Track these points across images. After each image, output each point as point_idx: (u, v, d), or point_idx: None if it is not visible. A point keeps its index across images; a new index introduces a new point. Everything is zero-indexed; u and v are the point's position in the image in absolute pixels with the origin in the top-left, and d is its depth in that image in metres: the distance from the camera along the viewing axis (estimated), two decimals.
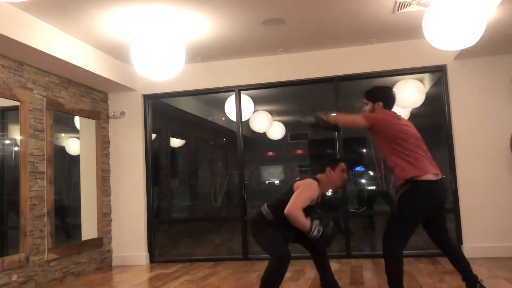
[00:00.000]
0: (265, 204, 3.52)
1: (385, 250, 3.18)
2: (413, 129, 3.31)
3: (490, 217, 5.21)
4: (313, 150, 8.78)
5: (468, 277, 3.20)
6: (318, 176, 3.53)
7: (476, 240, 5.26)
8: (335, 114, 3.36)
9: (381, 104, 3.38)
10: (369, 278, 4.50)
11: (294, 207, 3.22)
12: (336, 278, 4.52)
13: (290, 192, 3.38)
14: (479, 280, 3.18)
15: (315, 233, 3.22)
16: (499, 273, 4.34)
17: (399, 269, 3.14)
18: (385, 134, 3.23)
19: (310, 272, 4.87)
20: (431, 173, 3.12)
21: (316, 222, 3.26)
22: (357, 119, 3.35)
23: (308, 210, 3.34)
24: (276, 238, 3.35)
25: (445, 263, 5.03)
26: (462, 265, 3.23)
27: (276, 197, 3.56)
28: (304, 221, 3.23)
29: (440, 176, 3.19)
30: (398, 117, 3.36)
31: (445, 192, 3.29)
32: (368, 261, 5.37)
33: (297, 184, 3.43)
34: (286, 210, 3.21)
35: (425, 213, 3.18)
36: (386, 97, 3.44)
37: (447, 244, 3.28)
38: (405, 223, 3.14)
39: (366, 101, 3.48)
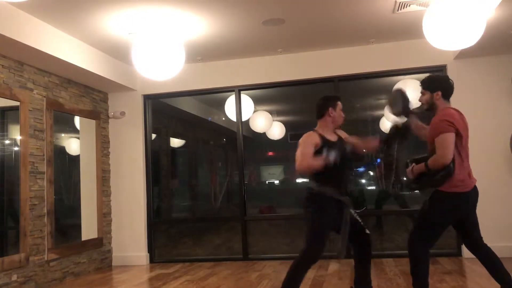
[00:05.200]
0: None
1: (410, 249, 3.13)
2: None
3: (490, 217, 5.19)
4: None
5: (503, 280, 3.12)
6: (318, 124, 3.45)
7: None
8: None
9: (439, 93, 3.17)
10: None
11: (298, 163, 3.22)
12: (336, 278, 4.54)
13: None
14: None
15: (331, 157, 3.13)
16: None
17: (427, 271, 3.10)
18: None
19: (310, 272, 4.85)
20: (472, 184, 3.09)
21: (325, 150, 3.19)
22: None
23: (340, 164, 3.23)
24: (320, 230, 3.24)
25: (445, 263, 5.03)
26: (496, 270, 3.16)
27: None
28: (313, 162, 3.19)
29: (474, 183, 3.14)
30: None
31: (476, 197, 3.18)
32: None
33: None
34: (296, 169, 3.21)
35: (455, 219, 3.15)
36: (444, 86, 3.21)
37: (480, 249, 3.22)
38: (434, 226, 3.11)
39: (423, 90, 3.26)
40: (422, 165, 3.08)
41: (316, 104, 3.47)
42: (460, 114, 3.19)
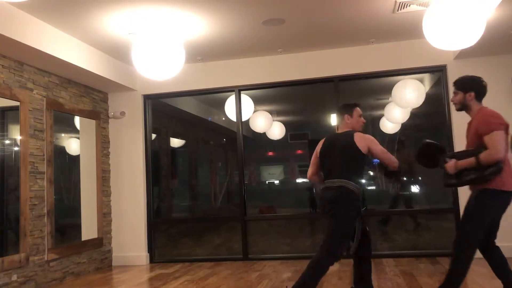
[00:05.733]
0: (339, 180, 3.37)
1: (457, 250, 3.12)
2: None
3: None
4: (313, 150, 8.74)
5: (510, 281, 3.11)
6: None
7: None
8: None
9: (472, 94, 3.17)
10: None
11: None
12: (336, 278, 4.54)
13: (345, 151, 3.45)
14: None
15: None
16: None
17: (464, 275, 3.10)
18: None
19: None
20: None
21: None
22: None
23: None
24: (352, 228, 3.36)
25: (445, 263, 5.02)
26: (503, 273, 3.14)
27: (337, 169, 3.43)
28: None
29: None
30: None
31: None
32: None
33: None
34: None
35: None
36: (477, 87, 3.20)
37: (491, 250, 3.22)
38: (481, 224, 3.09)
39: (455, 90, 3.26)
40: (470, 160, 3.04)
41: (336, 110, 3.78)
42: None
